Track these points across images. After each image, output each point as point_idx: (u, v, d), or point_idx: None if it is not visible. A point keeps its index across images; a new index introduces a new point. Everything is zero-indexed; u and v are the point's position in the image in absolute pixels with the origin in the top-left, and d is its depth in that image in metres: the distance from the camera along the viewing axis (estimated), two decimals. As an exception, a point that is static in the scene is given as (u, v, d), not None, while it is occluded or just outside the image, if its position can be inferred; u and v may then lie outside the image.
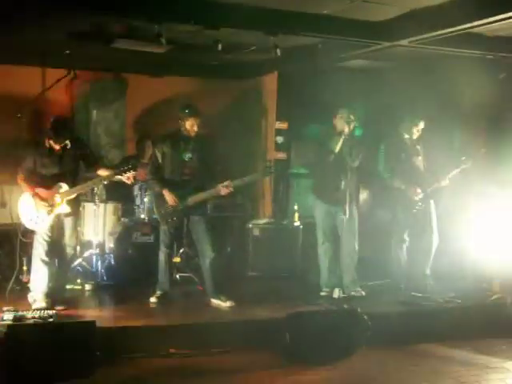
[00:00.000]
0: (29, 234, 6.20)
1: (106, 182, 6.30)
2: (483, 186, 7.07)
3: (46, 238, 5.91)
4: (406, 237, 6.94)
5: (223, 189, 6.16)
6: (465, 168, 6.69)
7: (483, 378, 5.16)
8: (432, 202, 6.90)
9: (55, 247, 5.98)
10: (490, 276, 6.97)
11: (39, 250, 5.93)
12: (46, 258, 5.91)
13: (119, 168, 6.10)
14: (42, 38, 6.68)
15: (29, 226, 5.96)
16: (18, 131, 7.11)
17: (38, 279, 5.94)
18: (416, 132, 6.84)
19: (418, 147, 6.90)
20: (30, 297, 5.97)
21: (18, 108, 7.24)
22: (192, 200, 6.22)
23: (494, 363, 5.53)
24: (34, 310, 5.64)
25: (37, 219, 5.86)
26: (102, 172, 6.04)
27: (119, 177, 6.06)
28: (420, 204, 6.79)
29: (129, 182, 6.20)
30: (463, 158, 6.70)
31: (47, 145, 5.90)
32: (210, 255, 6.26)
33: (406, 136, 6.89)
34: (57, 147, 5.87)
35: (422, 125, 6.82)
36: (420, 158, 6.90)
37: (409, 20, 5.92)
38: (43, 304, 5.81)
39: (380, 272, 7.25)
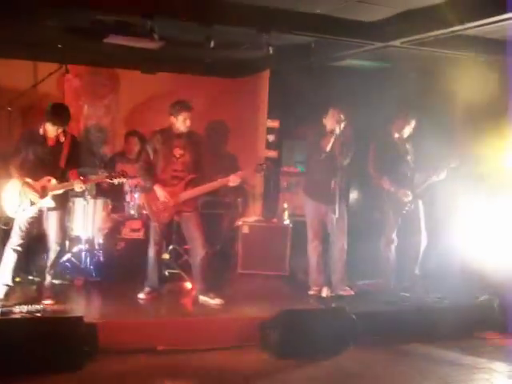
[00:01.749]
0: (10, 222, 6.19)
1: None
2: (472, 186, 7.08)
3: (23, 229, 5.88)
4: (394, 237, 6.95)
5: (234, 178, 6.15)
6: (453, 167, 6.71)
7: (470, 378, 5.19)
8: (420, 202, 6.93)
9: (39, 241, 5.96)
10: (478, 277, 7.01)
11: (13, 239, 5.89)
12: (18, 248, 5.88)
13: (110, 173, 6.20)
14: (34, 31, 6.65)
15: (9, 213, 5.95)
16: (7, 125, 7.09)
17: (5, 268, 5.89)
18: (407, 131, 6.86)
19: (408, 146, 6.91)
20: None
21: (9, 101, 7.21)
22: (183, 196, 6.23)
23: (481, 363, 5.56)
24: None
25: (18, 208, 5.84)
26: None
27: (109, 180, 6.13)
28: (409, 205, 6.81)
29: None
30: (452, 157, 6.73)
31: (41, 133, 5.89)
32: (200, 252, 6.25)
33: (396, 135, 6.91)
34: (52, 133, 5.85)
35: (412, 123, 6.85)
36: (409, 157, 6.92)
37: (401, 21, 5.93)
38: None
39: (369, 271, 7.27)
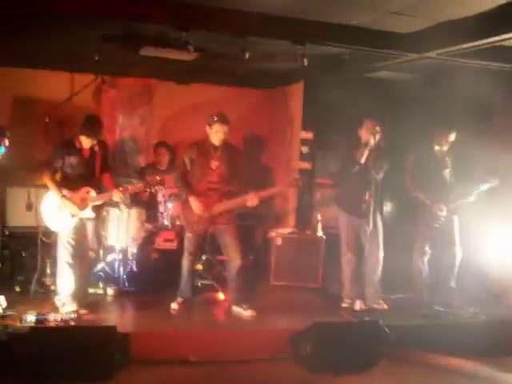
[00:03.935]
0: (51, 235, 6.26)
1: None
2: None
3: (70, 241, 5.92)
4: (427, 249, 6.84)
5: (250, 200, 6.15)
6: (493, 186, 6.58)
7: (506, 396, 5.11)
8: (456, 217, 6.82)
9: (78, 250, 6.00)
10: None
11: (64, 253, 5.94)
12: (71, 261, 5.92)
13: (147, 181, 6.25)
14: (71, 43, 6.74)
15: (51, 226, 6.00)
16: (45, 135, 7.19)
17: (65, 282, 5.96)
18: (446, 143, 6.74)
19: (448, 159, 6.80)
20: (58, 300, 5.98)
21: (46, 112, 7.32)
22: (218, 208, 6.23)
23: (517, 381, 5.46)
24: (63, 313, 5.67)
25: (59, 220, 5.90)
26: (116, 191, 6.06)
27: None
28: (443, 219, 6.70)
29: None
30: (491, 175, 6.58)
31: (77, 145, 5.96)
32: (237, 263, 6.25)
33: (437, 148, 6.81)
34: (86, 145, 5.93)
35: (453, 136, 6.72)
36: (448, 170, 6.80)
37: (437, 32, 5.87)
38: (73, 307, 5.83)
39: (403, 285, 7.18)
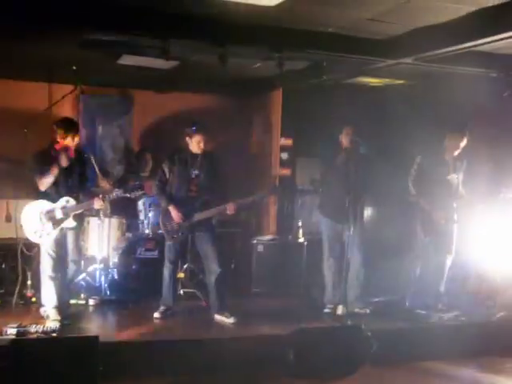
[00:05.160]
0: (32, 247, 6.22)
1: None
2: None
3: (52, 253, 5.88)
4: (420, 253, 6.80)
5: (229, 209, 6.17)
6: (504, 198, 6.50)
7: (488, 397, 5.15)
8: (456, 225, 6.72)
9: (59, 262, 5.96)
10: (494, 293, 6.94)
11: (45, 266, 5.89)
12: (53, 274, 5.88)
13: (126, 188, 6.24)
14: (49, 53, 6.73)
15: (33, 239, 5.95)
16: (23, 146, 7.13)
17: (48, 294, 5.92)
18: (457, 149, 6.54)
19: (459, 164, 6.66)
20: (43, 311, 5.97)
21: (25, 123, 7.27)
22: (198, 216, 6.24)
23: (500, 382, 5.50)
24: (46, 325, 5.63)
25: (41, 232, 5.85)
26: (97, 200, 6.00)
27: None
28: (442, 227, 6.64)
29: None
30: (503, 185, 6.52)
31: (52, 153, 5.89)
32: (216, 271, 6.26)
33: (447, 153, 6.62)
34: (66, 144, 5.89)
35: (464, 141, 6.51)
36: (457, 176, 6.65)
37: (413, 38, 5.94)
38: (57, 319, 5.79)
39: (384, 289, 7.22)
